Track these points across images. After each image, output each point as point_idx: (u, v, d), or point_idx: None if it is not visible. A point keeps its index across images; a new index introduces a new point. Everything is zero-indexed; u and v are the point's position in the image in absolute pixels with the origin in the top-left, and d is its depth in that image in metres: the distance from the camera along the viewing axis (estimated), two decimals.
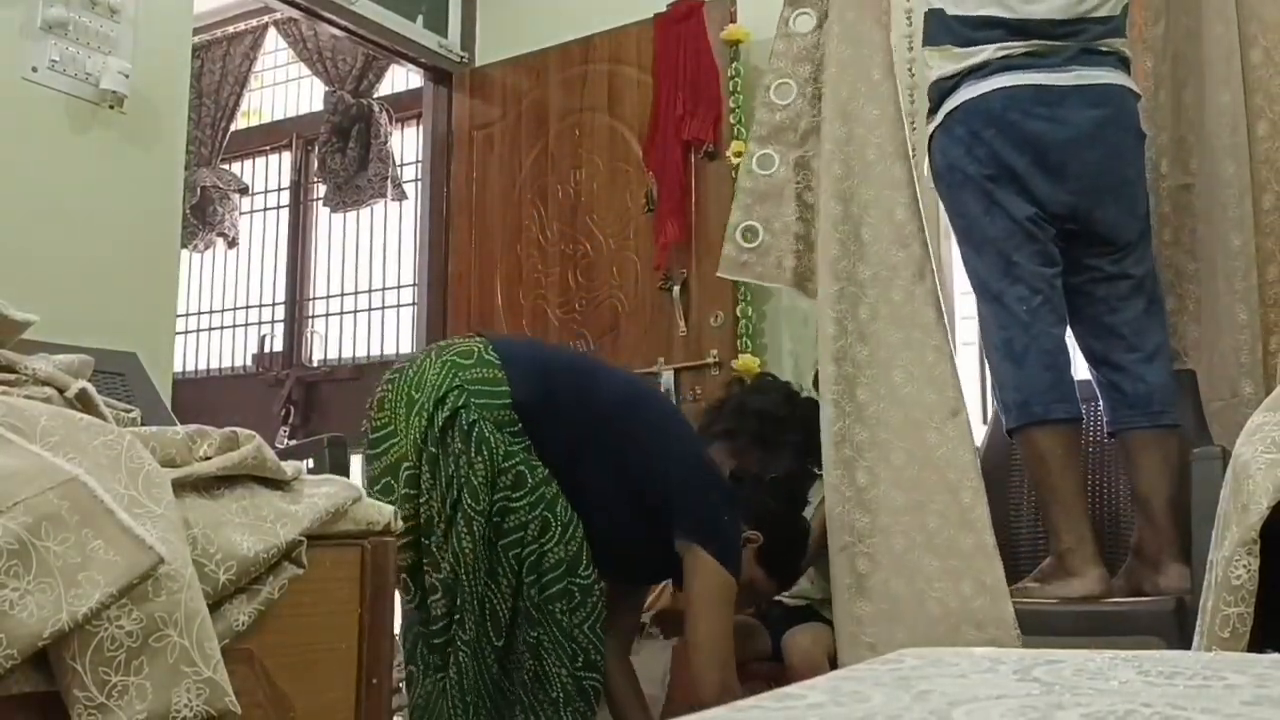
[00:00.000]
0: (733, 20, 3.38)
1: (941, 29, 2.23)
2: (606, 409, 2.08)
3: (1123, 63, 2.20)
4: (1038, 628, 2.07)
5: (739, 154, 3.29)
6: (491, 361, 1.99)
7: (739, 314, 3.24)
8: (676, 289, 3.34)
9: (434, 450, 1.88)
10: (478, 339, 2.07)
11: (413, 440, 1.89)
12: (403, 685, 2.70)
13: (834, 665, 2.34)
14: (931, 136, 2.28)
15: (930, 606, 2.15)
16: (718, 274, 2.61)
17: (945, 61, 2.22)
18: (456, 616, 1.85)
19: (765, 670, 2.50)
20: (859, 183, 2.36)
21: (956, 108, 2.19)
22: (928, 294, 2.27)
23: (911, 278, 2.28)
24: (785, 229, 2.50)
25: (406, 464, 1.89)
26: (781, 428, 2.46)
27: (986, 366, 2.63)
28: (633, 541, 2.08)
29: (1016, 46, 2.14)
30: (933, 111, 2.28)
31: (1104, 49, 2.17)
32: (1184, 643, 1.61)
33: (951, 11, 2.21)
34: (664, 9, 3.50)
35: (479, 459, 1.86)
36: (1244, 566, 1.23)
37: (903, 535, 2.21)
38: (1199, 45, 2.38)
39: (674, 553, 2.06)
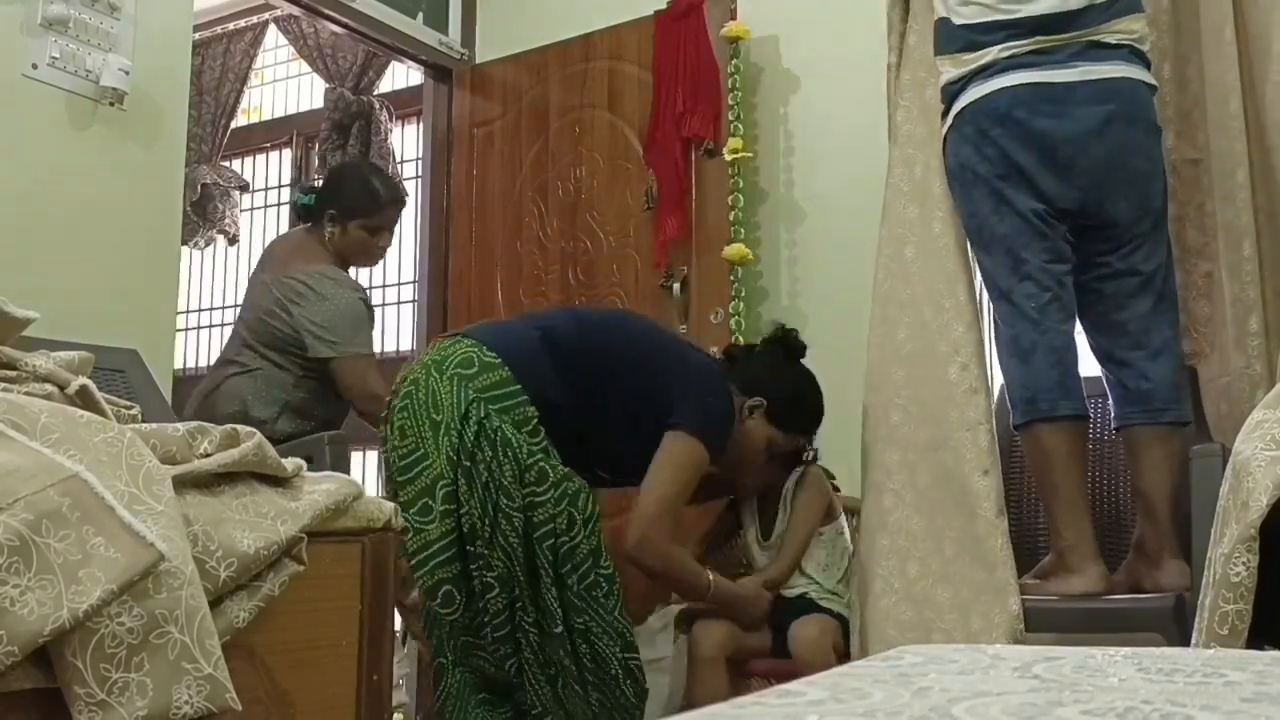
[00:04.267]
0: (733, 18, 3.37)
1: (950, 37, 2.27)
2: (603, 359, 2.23)
3: (1135, 54, 2.18)
4: (1038, 624, 2.07)
5: (737, 151, 3.29)
6: (492, 363, 2.09)
7: (731, 310, 3.24)
8: (676, 286, 3.33)
9: (468, 464, 1.98)
10: (467, 342, 2.14)
11: (446, 458, 1.99)
12: (403, 681, 2.72)
13: (840, 656, 2.35)
14: (945, 138, 2.30)
15: (945, 545, 2.19)
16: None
17: (954, 67, 2.26)
18: (517, 605, 1.96)
19: (769, 665, 2.50)
20: (914, 127, 2.43)
21: (965, 108, 2.22)
22: (959, 242, 2.32)
23: (946, 215, 2.33)
24: None
25: (443, 482, 1.98)
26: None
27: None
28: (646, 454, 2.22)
29: (1020, 46, 2.16)
30: (944, 114, 2.30)
31: (1113, 41, 2.15)
32: (1184, 640, 1.61)
33: (958, 21, 2.24)
34: (664, 6, 3.49)
35: (507, 460, 1.98)
36: (1243, 564, 1.23)
37: (927, 471, 2.24)
38: (1196, 18, 2.39)
39: None
